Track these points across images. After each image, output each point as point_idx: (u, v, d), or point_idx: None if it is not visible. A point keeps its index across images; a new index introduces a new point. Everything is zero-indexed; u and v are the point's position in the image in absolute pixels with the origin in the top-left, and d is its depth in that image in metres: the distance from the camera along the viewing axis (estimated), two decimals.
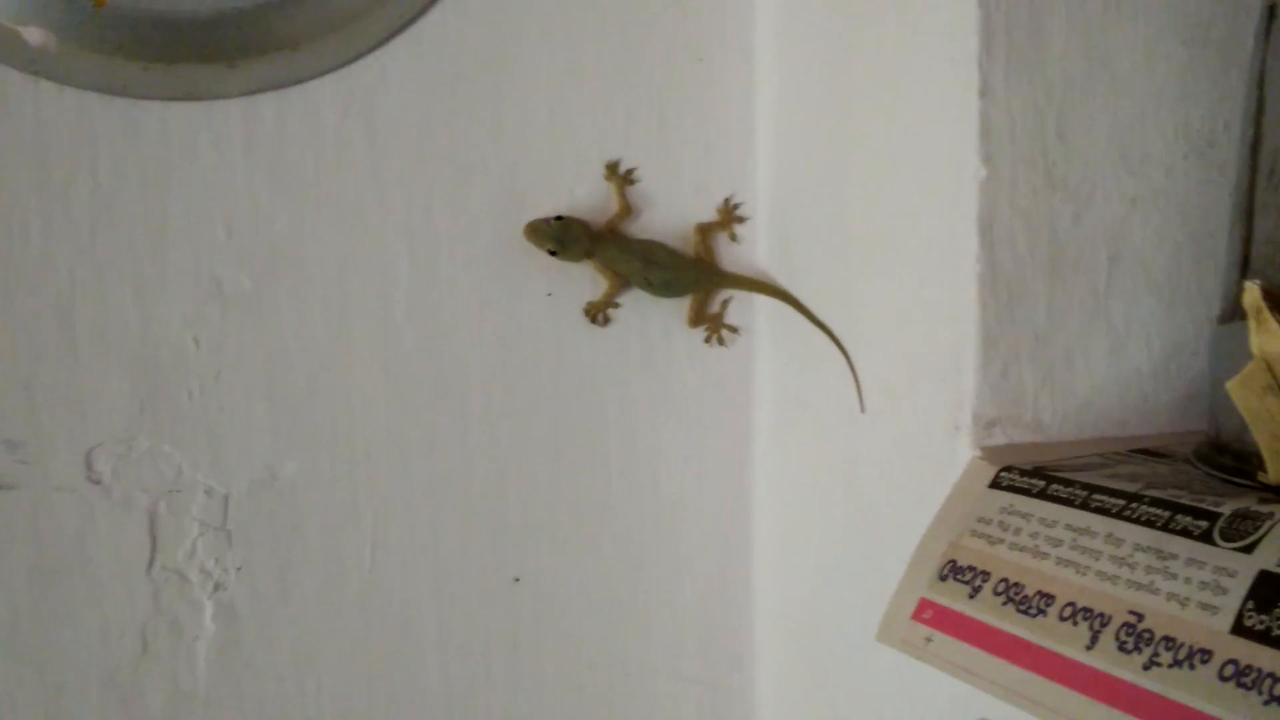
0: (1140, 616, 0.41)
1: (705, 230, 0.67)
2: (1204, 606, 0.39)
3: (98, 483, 0.58)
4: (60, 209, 0.57)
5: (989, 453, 0.52)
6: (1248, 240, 0.49)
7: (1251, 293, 0.40)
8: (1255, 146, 0.50)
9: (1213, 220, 0.55)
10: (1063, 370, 0.53)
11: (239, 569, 0.61)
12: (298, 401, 0.61)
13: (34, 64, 0.56)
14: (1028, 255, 0.52)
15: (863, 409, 0.60)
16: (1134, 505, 0.44)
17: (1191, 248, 0.55)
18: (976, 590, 0.47)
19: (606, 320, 0.67)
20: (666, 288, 0.66)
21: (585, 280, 0.66)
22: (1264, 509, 0.41)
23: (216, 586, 0.60)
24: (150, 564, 0.59)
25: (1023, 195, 0.52)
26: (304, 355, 0.61)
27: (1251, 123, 0.50)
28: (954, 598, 0.48)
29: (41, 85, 0.56)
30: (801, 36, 0.64)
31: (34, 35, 0.55)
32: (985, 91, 0.51)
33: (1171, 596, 0.41)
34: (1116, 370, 0.54)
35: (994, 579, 0.47)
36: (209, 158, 0.59)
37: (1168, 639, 0.40)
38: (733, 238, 0.68)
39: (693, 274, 0.66)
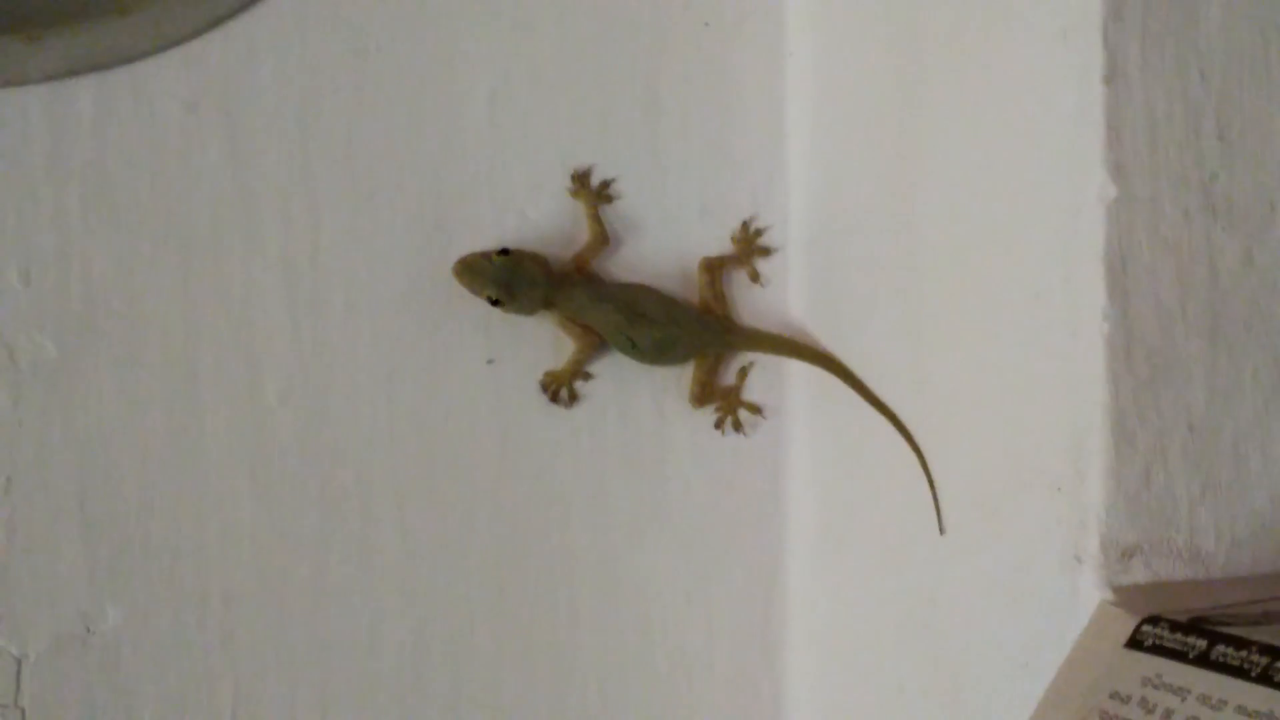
0: None
1: (715, 267, 0.67)
2: None
3: None
4: None
5: (1125, 595, 0.51)
6: None
7: None
8: None
9: None
10: (1230, 474, 0.53)
11: None
12: (124, 521, 0.60)
13: None
14: (1178, 309, 0.52)
15: (941, 529, 0.60)
16: None
17: None
18: None
19: (573, 397, 0.66)
20: (659, 350, 0.65)
21: (543, 340, 0.66)
22: None
23: None
24: None
25: (1169, 223, 0.52)
26: (133, 453, 0.60)
27: None
28: None
29: None
30: None
31: None
32: (1113, 75, 0.51)
33: None
34: None
35: None
36: None
37: None
38: (754, 278, 0.68)
39: (696, 331, 0.66)
